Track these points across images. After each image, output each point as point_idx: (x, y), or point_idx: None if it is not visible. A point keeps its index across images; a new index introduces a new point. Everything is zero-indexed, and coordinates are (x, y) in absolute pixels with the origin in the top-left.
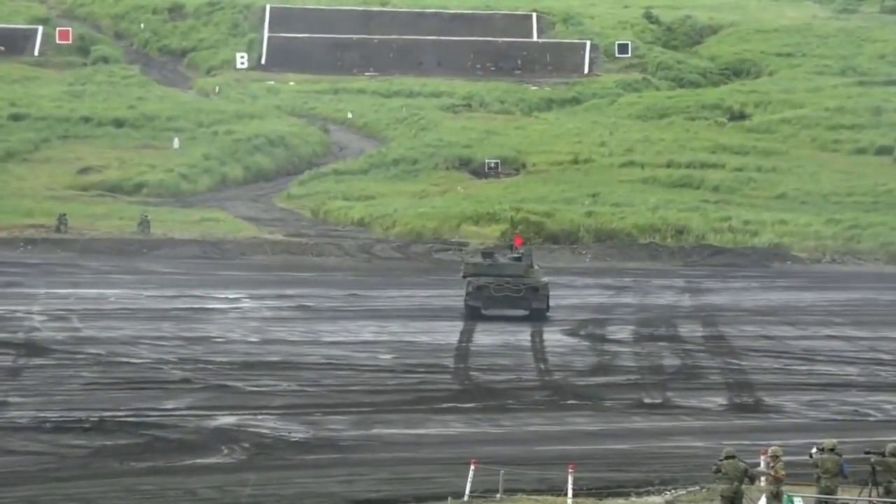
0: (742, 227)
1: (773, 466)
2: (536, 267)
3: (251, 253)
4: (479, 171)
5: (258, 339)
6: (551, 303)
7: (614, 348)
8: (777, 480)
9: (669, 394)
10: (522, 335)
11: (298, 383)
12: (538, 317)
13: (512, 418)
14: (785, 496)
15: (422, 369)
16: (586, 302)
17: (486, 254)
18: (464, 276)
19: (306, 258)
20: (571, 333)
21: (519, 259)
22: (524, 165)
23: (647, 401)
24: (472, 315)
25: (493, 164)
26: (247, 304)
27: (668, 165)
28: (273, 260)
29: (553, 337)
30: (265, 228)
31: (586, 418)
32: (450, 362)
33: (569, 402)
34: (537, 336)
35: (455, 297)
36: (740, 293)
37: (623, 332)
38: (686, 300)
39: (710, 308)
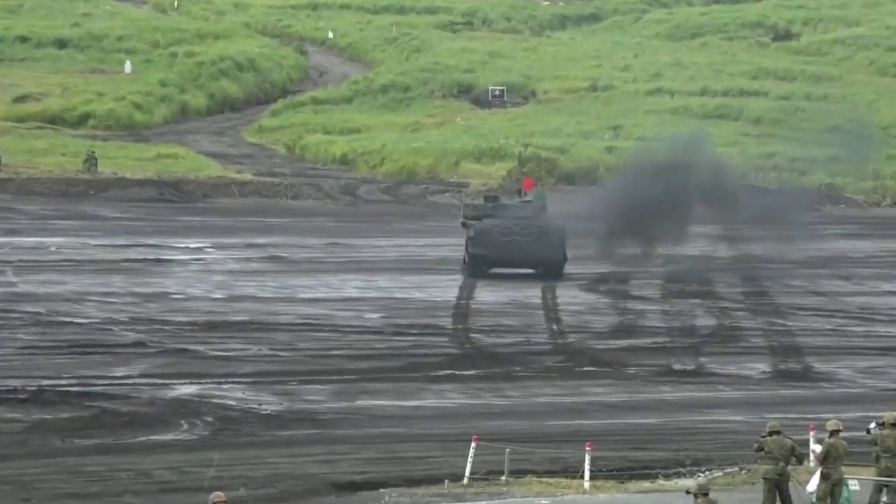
0: (788, 164)
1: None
2: (550, 211)
3: (216, 195)
4: (482, 100)
5: (224, 295)
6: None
7: (639, 306)
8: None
9: (703, 359)
10: (532, 291)
11: (270, 347)
12: (552, 269)
13: (519, 388)
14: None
15: (415, 331)
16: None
17: (490, 196)
18: (463, 223)
19: (280, 201)
20: (589, 289)
21: (529, 202)
22: (534, 93)
23: (677, 367)
24: (474, 266)
25: (497, 92)
26: (210, 254)
27: (702, 93)
28: (241, 203)
29: (568, 293)
30: (232, 167)
31: (606, 388)
32: (447, 322)
33: (586, 369)
34: (549, 292)
35: (454, 246)
36: (786, 242)
37: (649, 288)
38: (723, 250)
39: (751, 259)
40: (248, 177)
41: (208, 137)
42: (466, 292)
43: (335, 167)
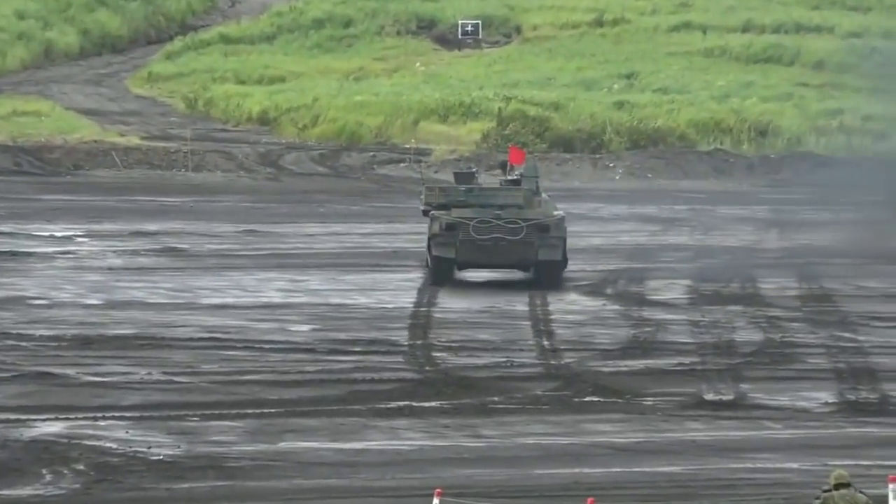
0: (860, 125)
1: None
2: (545, 195)
3: (91, 166)
4: (449, 39)
5: (101, 300)
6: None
7: (659, 315)
8: None
9: (745, 386)
10: (516, 295)
11: (164, 370)
12: (550, 276)
13: (498, 425)
14: None
15: (358, 348)
16: (616, 242)
17: (463, 175)
18: (426, 211)
19: (178, 174)
20: (592, 292)
21: (517, 182)
22: (518, 29)
23: (710, 397)
24: (440, 272)
25: (469, 28)
26: (83, 245)
27: (745, 29)
28: (126, 177)
29: (564, 297)
30: (113, 127)
31: (615, 425)
32: (402, 337)
33: (587, 399)
34: (539, 297)
35: (410, 235)
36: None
37: (673, 290)
38: (772, 239)
39: (810, 252)
40: (134, 141)
41: (81, 88)
42: (428, 297)
43: (251, 128)
